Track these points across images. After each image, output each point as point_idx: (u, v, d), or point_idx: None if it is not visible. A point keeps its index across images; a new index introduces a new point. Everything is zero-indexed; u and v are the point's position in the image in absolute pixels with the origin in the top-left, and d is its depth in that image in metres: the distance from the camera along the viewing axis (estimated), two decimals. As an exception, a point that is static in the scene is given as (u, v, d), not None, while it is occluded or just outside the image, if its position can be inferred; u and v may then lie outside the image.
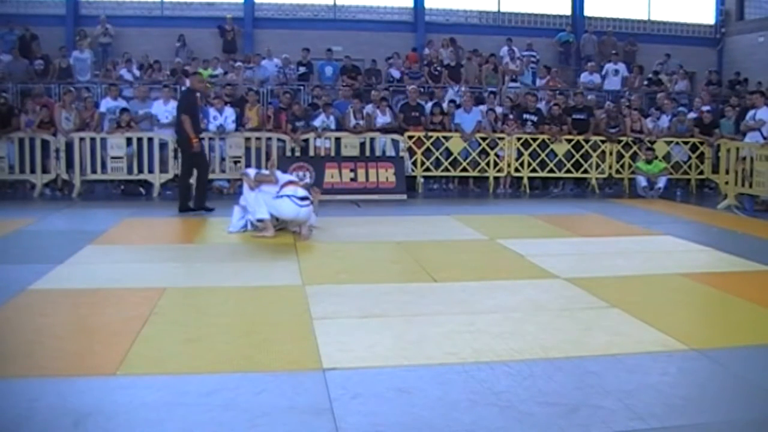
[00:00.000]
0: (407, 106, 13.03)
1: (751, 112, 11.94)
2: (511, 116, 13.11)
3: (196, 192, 9.95)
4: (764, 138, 11.16)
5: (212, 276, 6.16)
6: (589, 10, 19.64)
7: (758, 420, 3.41)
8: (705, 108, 13.65)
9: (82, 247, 7.06)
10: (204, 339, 4.44)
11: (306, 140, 12.13)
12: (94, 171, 11.62)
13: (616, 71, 16.54)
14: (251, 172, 8.36)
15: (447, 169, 12.76)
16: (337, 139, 12.31)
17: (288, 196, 7.70)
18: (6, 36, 15.69)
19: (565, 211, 10.44)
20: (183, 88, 12.18)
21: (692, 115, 13.80)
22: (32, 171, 11.53)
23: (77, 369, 3.87)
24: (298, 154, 12.06)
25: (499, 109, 13.44)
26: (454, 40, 17.28)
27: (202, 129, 10.72)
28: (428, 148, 12.56)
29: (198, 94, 10.21)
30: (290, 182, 8.02)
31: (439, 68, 16.14)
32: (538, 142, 12.67)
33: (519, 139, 12.67)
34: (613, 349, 4.25)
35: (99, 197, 11.68)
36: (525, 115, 13.12)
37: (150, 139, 11.68)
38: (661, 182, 12.32)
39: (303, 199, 7.73)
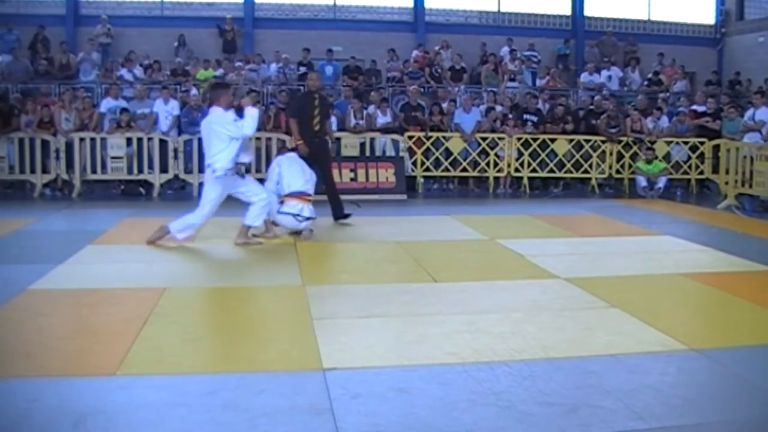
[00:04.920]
0: (408, 106, 13.02)
1: (749, 112, 11.92)
2: (510, 116, 13.11)
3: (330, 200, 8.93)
4: (764, 139, 11.14)
5: (212, 276, 6.16)
6: (589, 10, 19.63)
7: (758, 420, 3.41)
8: (692, 107, 13.69)
9: (82, 247, 7.06)
10: (204, 339, 4.44)
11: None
12: (94, 171, 11.62)
13: (609, 77, 16.54)
14: None
15: (447, 169, 12.76)
16: (337, 139, 12.30)
17: (294, 215, 7.68)
18: (5, 36, 15.66)
19: (565, 211, 10.43)
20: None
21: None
22: (32, 171, 11.52)
23: (77, 369, 3.87)
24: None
25: (498, 108, 13.43)
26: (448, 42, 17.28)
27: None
28: (428, 148, 12.56)
29: (316, 95, 9.01)
30: (299, 194, 7.79)
31: (439, 69, 16.12)
32: (538, 142, 12.67)
33: (519, 139, 12.67)
34: (613, 349, 4.25)
35: (99, 197, 11.66)
36: (525, 116, 13.11)
37: (150, 139, 11.68)
38: (661, 182, 12.32)
39: (307, 219, 7.74)
